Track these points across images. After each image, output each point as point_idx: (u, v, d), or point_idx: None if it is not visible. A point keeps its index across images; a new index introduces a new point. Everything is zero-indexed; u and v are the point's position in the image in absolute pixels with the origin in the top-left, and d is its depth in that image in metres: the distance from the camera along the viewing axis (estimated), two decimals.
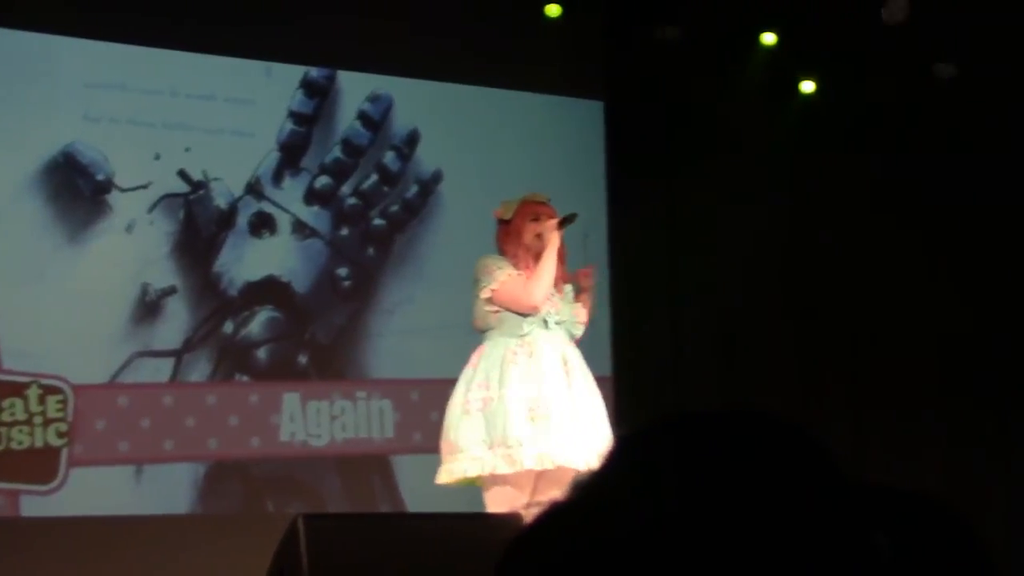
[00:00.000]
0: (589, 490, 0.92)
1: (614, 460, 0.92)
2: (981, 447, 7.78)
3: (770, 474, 0.89)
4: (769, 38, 7.32)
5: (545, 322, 4.60)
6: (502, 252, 4.75)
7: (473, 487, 4.68)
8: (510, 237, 4.73)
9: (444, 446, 4.64)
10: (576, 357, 4.66)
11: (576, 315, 4.75)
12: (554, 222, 4.65)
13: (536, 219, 4.70)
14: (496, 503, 4.50)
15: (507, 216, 4.76)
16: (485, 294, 4.63)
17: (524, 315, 4.59)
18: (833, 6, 7.12)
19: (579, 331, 4.75)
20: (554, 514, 0.93)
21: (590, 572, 0.85)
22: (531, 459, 4.41)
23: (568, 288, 4.79)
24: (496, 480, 4.49)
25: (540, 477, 4.49)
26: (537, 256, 4.64)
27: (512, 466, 4.41)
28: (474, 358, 4.68)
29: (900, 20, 7.05)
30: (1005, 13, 7.26)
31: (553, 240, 4.60)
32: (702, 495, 0.87)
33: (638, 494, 0.87)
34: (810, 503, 0.89)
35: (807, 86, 7.56)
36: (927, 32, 7.23)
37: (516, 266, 4.65)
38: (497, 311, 4.63)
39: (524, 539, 0.90)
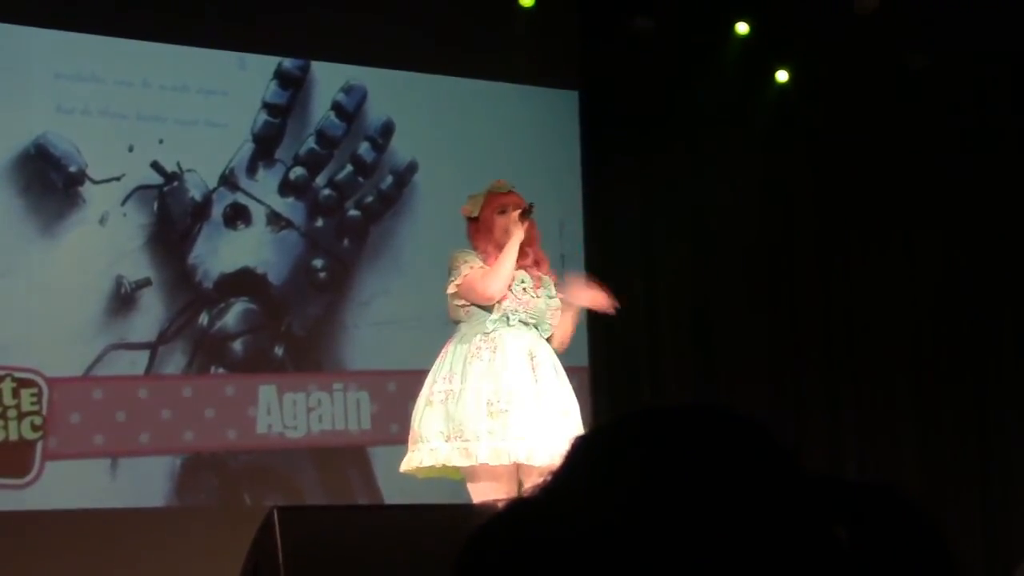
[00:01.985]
0: (549, 486, 0.93)
1: (574, 457, 0.92)
2: (957, 435, 7.83)
3: (728, 469, 0.89)
4: (743, 28, 7.32)
5: (508, 319, 4.58)
6: (474, 248, 4.73)
7: (454, 479, 4.68)
8: (480, 233, 4.72)
9: (410, 435, 4.65)
10: (545, 352, 4.62)
11: (548, 315, 4.69)
12: (515, 215, 4.61)
13: (503, 211, 4.66)
14: (479, 496, 4.50)
15: (475, 213, 4.74)
16: (451, 289, 4.64)
17: (488, 309, 4.58)
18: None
19: (548, 332, 4.69)
20: (513, 509, 0.93)
21: (546, 566, 0.86)
22: (486, 453, 4.41)
23: (547, 282, 4.73)
24: (479, 473, 4.49)
25: (525, 472, 4.49)
26: None
27: (467, 459, 4.43)
28: (443, 350, 4.68)
29: (871, 10, 7.07)
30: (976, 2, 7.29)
31: (515, 234, 4.57)
32: (660, 491, 0.87)
33: (596, 490, 0.88)
34: (768, 497, 0.89)
35: (782, 76, 7.57)
36: (899, 22, 7.25)
37: (487, 261, 4.63)
38: (465, 305, 4.63)
39: (482, 533, 0.90)
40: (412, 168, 6.89)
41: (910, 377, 7.81)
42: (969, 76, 7.75)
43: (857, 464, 7.59)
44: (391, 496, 6.58)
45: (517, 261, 4.62)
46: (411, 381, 6.75)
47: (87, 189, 6.14)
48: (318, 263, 6.67)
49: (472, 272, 4.58)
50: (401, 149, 6.87)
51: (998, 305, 7.87)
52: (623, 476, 0.87)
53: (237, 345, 6.46)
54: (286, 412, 6.48)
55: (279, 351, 6.55)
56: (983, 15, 7.35)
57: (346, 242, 6.75)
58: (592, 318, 6.99)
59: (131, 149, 6.25)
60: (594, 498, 0.86)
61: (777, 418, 7.33)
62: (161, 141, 6.31)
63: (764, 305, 7.59)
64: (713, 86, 7.43)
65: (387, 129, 6.85)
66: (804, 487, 0.91)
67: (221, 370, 6.41)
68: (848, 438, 7.67)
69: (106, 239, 6.17)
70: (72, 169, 6.13)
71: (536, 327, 4.66)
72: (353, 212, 6.77)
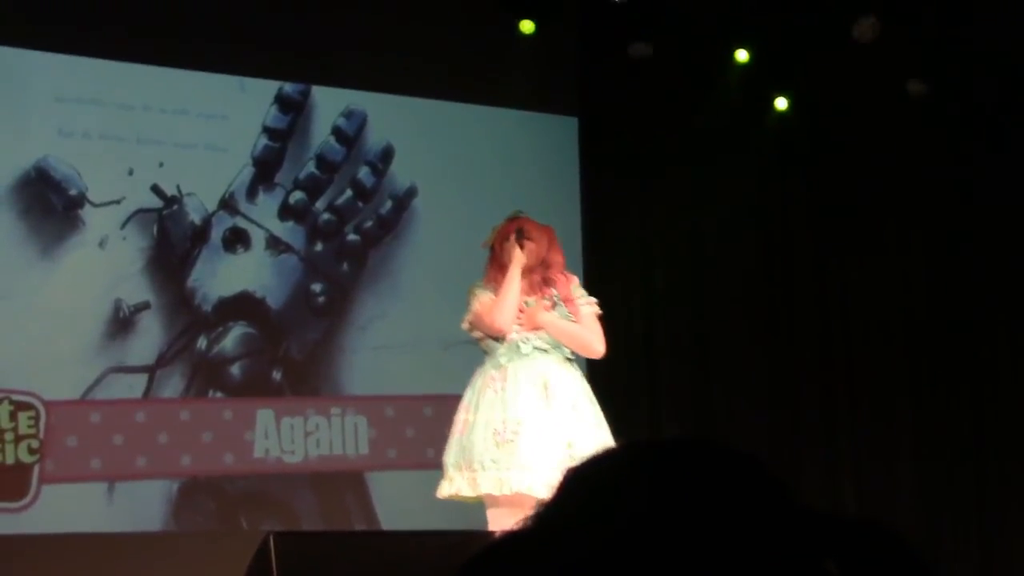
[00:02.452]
0: (541, 518, 0.92)
1: (565, 489, 0.92)
2: (954, 462, 7.81)
3: (721, 503, 0.89)
4: (743, 55, 7.33)
5: (519, 348, 4.56)
6: (486, 277, 4.73)
7: (478, 504, 4.66)
8: (492, 263, 4.73)
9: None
10: (562, 381, 4.55)
11: None
12: (511, 241, 4.60)
13: (509, 239, 4.66)
14: (496, 523, 4.51)
15: (490, 243, 4.75)
16: (464, 324, 4.68)
17: (500, 340, 4.58)
18: (805, 23, 7.15)
19: (569, 351, 4.65)
20: (507, 539, 0.93)
21: None
22: (489, 483, 4.41)
23: (560, 303, 4.67)
24: (496, 500, 4.48)
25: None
26: None
27: (474, 489, 4.44)
28: (471, 381, 4.69)
29: (870, 38, 7.09)
30: (975, 31, 7.32)
31: (514, 260, 4.56)
32: (652, 525, 0.87)
33: (587, 523, 0.88)
34: (761, 531, 0.89)
35: (781, 103, 7.58)
36: (899, 50, 7.27)
37: (497, 291, 4.61)
38: (483, 338, 4.65)
39: (475, 562, 0.90)
40: (411, 193, 6.90)
41: (908, 403, 7.80)
42: (968, 104, 7.77)
43: (854, 490, 7.57)
44: (388, 522, 6.57)
45: (527, 288, 4.60)
46: (409, 406, 6.77)
47: (87, 212, 6.15)
48: (317, 287, 6.67)
49: (480, 306, 4.60)
50: (401, 174, 6.88)
51: (996, 333, 7.86)
52: (614, 509, 0.87)
53: (235, 369, 6.45)
54: (284, 436, 6.47)
55: (277, 375, 6.54)
56: (981, 43, 7.38)
57: (345, 266, 6.75)
58: None
59: (131, 172, 6.26)
60: (585, 531, 0.86)
61: (775, 444, 7.33)
62: (161, 164, 6.32)
63: (762, 330, 7.58)
64: (712, 112, 7.45)
65: (387, 154, 6.86)
66: (796, 521, 0.91)
67: (219, 394, 6.41)
68: (846, 464, 7.66)
69: (105, 262, 6.17)
70: (72, 192, 6.13)
71: (556, 350, 4.61)
72: (352, 236, 6.78)
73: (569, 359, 4.65)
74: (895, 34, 7.19)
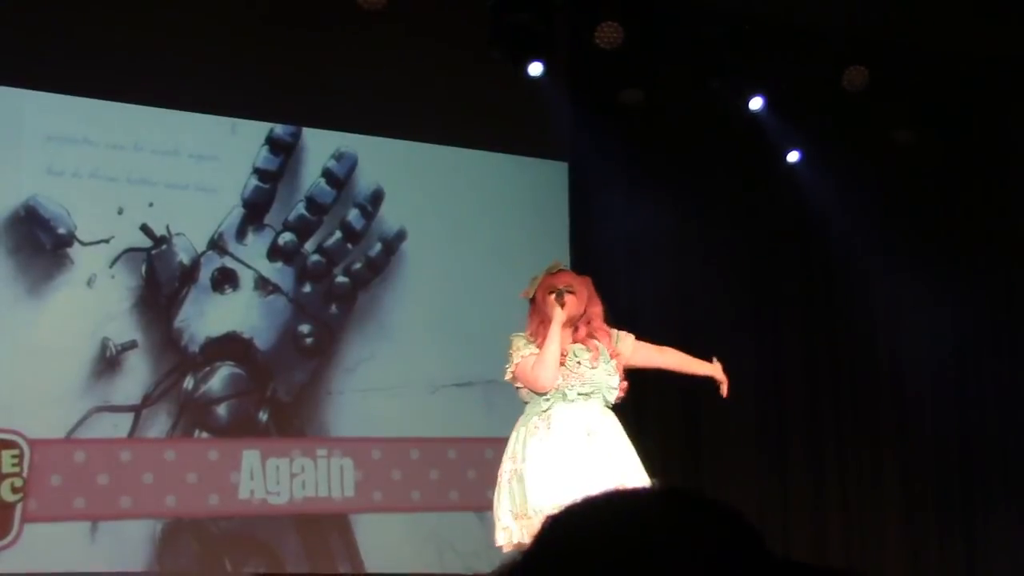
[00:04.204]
0: (520, 565, 0.93)
1: (544, 536, 0.92)
2: (941, 512, 7.81)
3: (698, 554, 0.89)
4: (757, 104, 7.28)
5: (565, 395, 4.62)
6: (529, 331, 4.77)
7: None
8: (533, 315, 4.76)
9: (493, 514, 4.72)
10: (604, 427, 4.62)
11: (609, 380, 4.71)
12: (551, 298, 4.65)
13: (552, 293, 4.69)
14: None
15: (530, 295, 4.79)
16: (507, 376, 4.72)
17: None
18: (795, 71, 7.20)
19: (612, 396, 4.71)
20: None
21: None
22: None
23: (603, 349, 4.73)
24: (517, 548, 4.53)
25: None
26: None
27: (532, 536, 4.46)
28: (513, 430, 4.72)
29: (859, 86, 7.15)
30: (962, 81, 7.38)
31: (555, 317, 4.62)
32: (629, 572, 0.87)
33: (564, 568, 0.88)
34: None
35: (792, 156, 7.60)
36: (886, 98, 7.33)
37: (539, 344, 4.66)
38: (523, 387, 4.69)
39: None
40: (401, 236, 6.91)
41: (897, 455, 7.81)
42: (955, 152, 7.83)
43: (842, 545, 7.56)
44: (373, 564, 6.54)
45: (571, 335, 4.68)
46: (395, 448, 6.76)
47: (76, 251, 6.15)
48: (304, 328, 6.66)
49: (523, 361, 4.64)
50: (390, 217, 6.89)
51: (988, 384, 7.90)
52: (590, 559, 0.87)
53: (221, 409, 6.43)
54: (269, 477, 6.45)
55: (263, 416, 6.53)
56: (970, 93, 7.44)
57: (333, 308, 6.75)
58: None
59: (120, 212, 6.26)
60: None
61: (764, 496, 7.33)
62: (151, 204, 6.33)
63: (751, 380, 7.58)
64: (707, 160, 7.49)
65: (376, 197, 6.87)
66: (775, 573, 0.91)
67: (205, 434, 6.39)
68: (834, 517, 7.65)
69: (93, 301, 6.16)
70: (61, 231, 6.13)
71: (597, 396, 4.66)
72: (341, 278, 6.78)
73: (607, 406, 4.71)
74: (883, 83, 7.26)
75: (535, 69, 6.80)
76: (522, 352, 4.66)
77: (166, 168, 6.39)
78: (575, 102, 7.26)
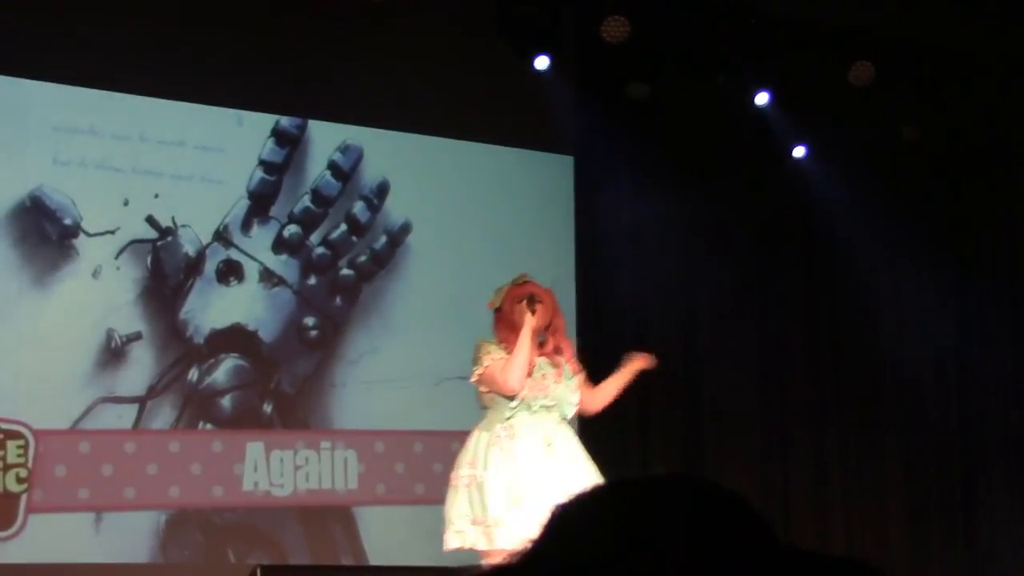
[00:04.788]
0: (529, 554, 0.93)
1: (553, 525, 0.93)
2: (944, 511, 7.81)
3: (707, 541, 0.89)
4: (763, 98, 7.27)
5: (529, 406, 4.76)
6: (497, 337, 4.91)
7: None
8: (501, 324, 4.91)
9: (444, 516, 4.82)
10: (563, 439, 4.78)
11: (571, 396, 4.87)
12: (522, 305, 4.80)
13: (521, 301, 4.85)
14: None
15: (497, 304, 4.94)
16: (473, 378, 4.84)
17: (509, 398, 4.75)
18: (807, 70, 7.19)
19: (570, 412, 4.88)
20: (494, 574, 0.93)
21: None
22: (505, 539, 4.56)
23: (567, 368, 4.90)
24: (495, 555, 4.61)
25: None
26: None
27: (490, 544, 4.61)
28: (470, 436, 4.85)
29: (866, 81, 7.15)
30: (969, 78, 7.37)
31: (526, 323, 4.75)
32: (637, 562, 0.88)
33: (572, 560, 0.88)
34: (746, 570, 0.89)
35: (798, 151, 7.60)
36: (893, 94, 7.33)
37: (508, 350, 4.80)
38: (489, 392, 4.81)
39: None
40: (406, 229, 6.91)
41: (899, 450, 7.81)
42: (961, 146, 7.84)
43: (845, 539, 7.57)
44: (376, 557, 6.55)
45: (537, 349, 4.82)
46: (399, 441, 6.76)
47: (81, 242, 6.15)
48: (309, 321, 6.67)
49: (492, 364, 4.77)
50: (395, 209, 6.89)
51: (991, 377, 7.90)
52: (600, 546, 0.87)
53: (226, 401, 6.44)
54: (273, 469, 6.45)
55: (268, 408, 6.53)
56: (975, 88, 7.44)
57: (338, 300, 6.75)
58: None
59: (126, 203, 6.27)
60: (570, 568, 0.86)
61: (765, 486, 7.33)
62: (156, 196, 6.33)
63: (754, 373, 7.59)
64: (712, 158, 7.49)
65: (382, 189, 6.88)
66: (781, 560, 0.91)
67: (209, 426, 6.39)
68: (836, 511, 7.65)
69: (98, 292, 6.17)
70: (67, 221, 6.14)
71: (556, 410, 4.83)
72: (346, 271, 6.78)
73: (564, 419, 4.87)
74: (889, 79, 7.25)
75: (542, 63, 6.80)
76: (492, 356, 4.80)
77: (172, 159, 6.39)
78: (581, 96, 7.25)
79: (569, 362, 4.92)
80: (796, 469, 7.58)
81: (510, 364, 4.71)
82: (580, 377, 4.95)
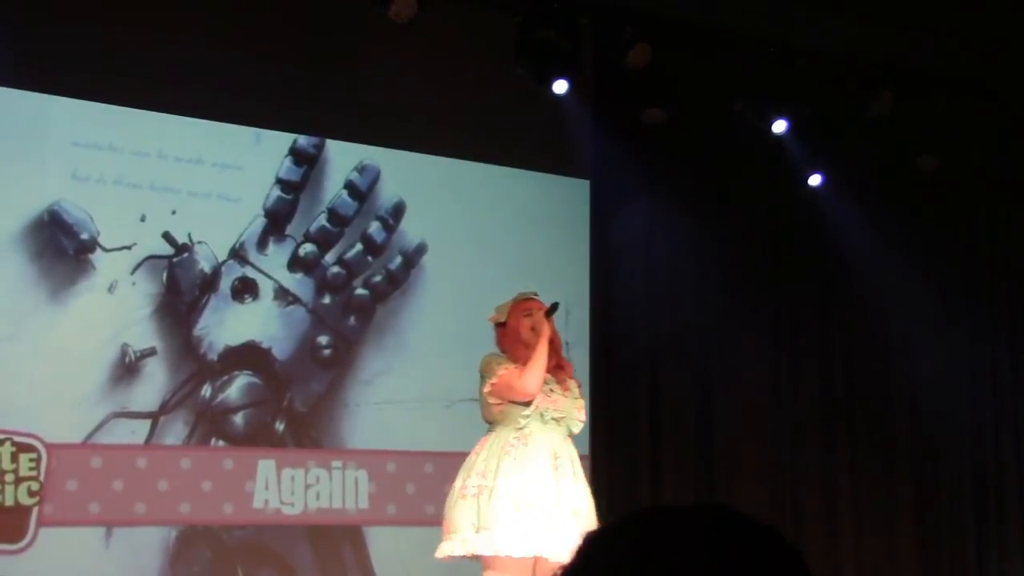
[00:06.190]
0: None
1: (585, 553, 0.93)
2: (955, 540, 7.78)
3: (739, 570, 0.89)
4: (780, 126, 7.28)
5: (542, 416, 4.80)
6: (503, 351, 4.98)
7: (474, 563, 4.84)
8: (508, 337, 4.97)
9: (444, 525, 4.84)
10: (568, 454, 4.83)
11: (577, 412, 4.92)
12: (541, 313, 4.87)
13: (528, 315, 4.93)
14: None
15: (502, 319, 5.00)
16: (486, 388, 4.87)
17: (523, 405, 4.79)
18: (825, 99, 7.20)
19: (577, 428, 4.93)
20: None
21: None
22: (509, 546, 4.60)
23: (574, 385, 4.97)
24: (496, 563, 4.65)
25: (541, 567, 4.64)
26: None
27: (492, 549, 4.63)
28: (477, 447, 4.89)
29: (883, 112, 7.16)
30: (987, 108, 7.38)
31: (544, 330, 4.82)
32: None
33: None
34: None
35: (814, 179, 7.60)
36: (911, 126, 7.33)
37: (515, 362, 4.87)
38: (500, 404, 4.85)
39: None
40: (421, 250, 6.92)
41: (911, 478, 7.79)
42: (978, 177, 7.83)
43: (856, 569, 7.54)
44: None
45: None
46: (410, 462, 6.76)
47: (98, 257, 6.17)
48: (323, 340, 6.67)
49: (507, 372, 4.82)
50: (411, 230, 6.91)
51: (1006, 409, 7.88)
52: (633, 573, 0.87)
53: (238, 418, 6.45)
54: (284, 488, 6.45)
55: (280, 426, 6.54)
56: (993, 119, 7.44)
57: (352, 320, 6.76)
58: (596, 409, 7.01)
59: (143, 219, 6.29)
60: None
61: (775, 505, 7.32)
62: (174, 212, 6.35)
63: (766, 396, 7.58)
64: (726, 181, 7.49)
65: (398, 210, 6.89)
66: None
67: (221, 443, 6.40)
68: (846, 539, 7.63)
69: (114, 307, 6.18)
70: (84, 236, 6.16)
71: (564, 424, 4.88)
72: (361, 291, 6.79)
73: (572, 434, 4.93)
74: (907, 109, 7.26)
75: (560, 87, 6.81)
76: (505, 365, 4.85)
77: (189, 176, 6.42)
78: (598, 120, 7.27)
79: (571, 379, 4.99)
80: (806, 504, 7.55)
81: (529, 369, 4.76)
82: (582, 402, 5.00)
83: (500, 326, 5.01)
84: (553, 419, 4.83)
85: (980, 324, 7.94)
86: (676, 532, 0.91)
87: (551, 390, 4.86)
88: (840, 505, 7.64)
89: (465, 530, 4.69)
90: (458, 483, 4.82)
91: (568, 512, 4.70)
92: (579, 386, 5.02)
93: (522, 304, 4.97)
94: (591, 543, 0.93)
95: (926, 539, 7.75)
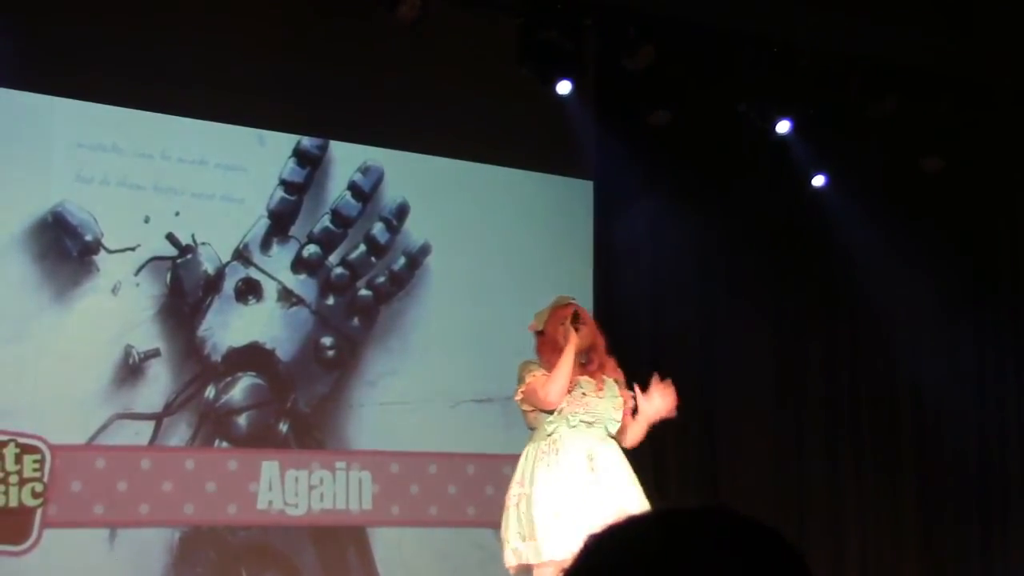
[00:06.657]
0: None
1: (587, 556, 0.93)
2: (959, 536, 7.78)
3: (744, 572, 0.89)
4: (783, 127, 7.27)
5: (568, 420, 4.80)
6: (541, 359, 4.96)
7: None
8: (546, 346, 4.95)
9: (500, 535, 4.89)
10: (605, 454, 4.82)
11: (615, 412, 4.89)
12: (566, 324, 4.86)
13: (565, 322, 4.90)
14: None
15: (540, 327, 4.99)
16: (516, 396, 4.89)
17: (549, 413, 4.80)
18: (828, 99, 7.20)
19: (614, 428, 4.90)
20: None
21: None
22: (554, 551, 4.61)
23: (611, 383, 4.94)
24: (544, 570, 4.67)
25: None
26: None
27: (538, 557, 4.66)
28: (521, 455, 4.90)
29: (887, 113, 7.15)
30: (991, 109, 7.37)
31: (569, 341, 4.80)
32: None
33: None
34: None
35: (818, 180, 7.61)
36: (915, 126, 7.33)
37: (551, 370, 4.84)
38: (532, 411, 4.87)
39: None
40: (425, 251, 6.92)
41: (916, 477, 7.79)
42: (983, 177, 7.83)
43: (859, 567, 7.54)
44: None
45: (580, 368, 4.88)
46: (414, 463, 6.76)
47: (102, 258, 6.18)
48: (327, 341, 6.68)
49: (534, 379, 4.83)
50: (415, 231, 6.91)
51: (1010, 408, 7.88)
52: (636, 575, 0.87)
53: (242, 420, 6.45)
54: (288, 489, 6.45)
55: (284, 427, 6.54)
56: (997, 119, 7.43)
57: (355, 321, 6.77)
58: None
59: (147, 220, 6.29)
60: None
61: (779, 502, 7.32)
62: (177, 213, 6.36)
63: (770, 394, 7.58)
64: (730, 182, 7.49)
65: (402, 211, 6.89)
66: None
67: (225, 444, 6.40)
68: (850, 540, 7.62)
69: (118, 308, 6.19)
70: (88, 238, 6.16)
71: (599, 425, 4.86)
72: (364, 292, 6.80)
73: (609, 435, 4.89)
74: (910, 110, 7.25)
75: (563, 88, 6.82)
76: (535, 373, 4.85)
77: (193, 177, 6.42)
78: (602, 121, 7.27)
79: (613, 373, 4.96)
80: (811, 505, 7.55)
81: (552, 377, 4.77)
82: (627, 406, 4.96)
83: (539, 335, 5.01)
84: (583, 422, 4.82)
85: (984, 323, 7.94)
86: (678, 535, 0.91)
87: (583, 393, 4.85)
88: (844, 505, 7.63)
89: (514, 540, 4.74)
90: (508, 492, 4.87)
91: (614, 511, 4.64)
92: (620, 383, 4.96)
93: (559, 311, 4.96)
94: (594, 545, 0.93)
95: (930, 539, 7.74)
